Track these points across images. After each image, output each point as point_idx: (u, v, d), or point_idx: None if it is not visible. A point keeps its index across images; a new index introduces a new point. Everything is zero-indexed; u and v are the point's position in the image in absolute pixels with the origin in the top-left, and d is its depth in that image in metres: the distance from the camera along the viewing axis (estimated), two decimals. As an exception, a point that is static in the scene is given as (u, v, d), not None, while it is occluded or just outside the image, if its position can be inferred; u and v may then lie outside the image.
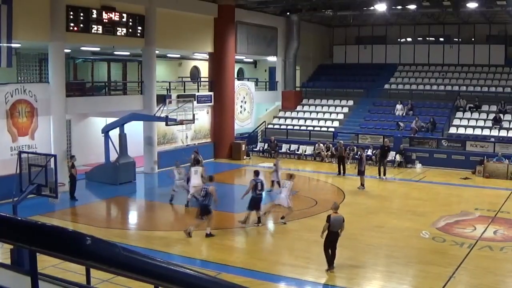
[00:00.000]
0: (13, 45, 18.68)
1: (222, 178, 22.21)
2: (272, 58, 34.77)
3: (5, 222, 2.37)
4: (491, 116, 28.59)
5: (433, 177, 24.32)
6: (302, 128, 31.50)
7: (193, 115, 24.54)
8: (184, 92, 27.74)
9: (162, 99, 24.00)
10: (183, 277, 2.66)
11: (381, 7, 28.68)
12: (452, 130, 28.74)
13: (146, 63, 24.88)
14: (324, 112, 32.99)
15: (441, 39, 35.26)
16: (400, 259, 13.28)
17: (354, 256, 13.37)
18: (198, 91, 28.83)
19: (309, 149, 29.20)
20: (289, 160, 28.55)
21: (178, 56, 32.45)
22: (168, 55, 30.93)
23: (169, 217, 18.33)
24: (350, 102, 33.29)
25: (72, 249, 2.30)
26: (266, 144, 30.45)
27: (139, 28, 23.50)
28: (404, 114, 30.69)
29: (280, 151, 29.50)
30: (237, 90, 30.19)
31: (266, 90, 35.39)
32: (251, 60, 37.85)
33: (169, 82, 28.22)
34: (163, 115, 22.89)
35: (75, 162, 19.69)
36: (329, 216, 12.19)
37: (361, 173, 21.76)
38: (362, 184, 21.69)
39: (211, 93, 28.64)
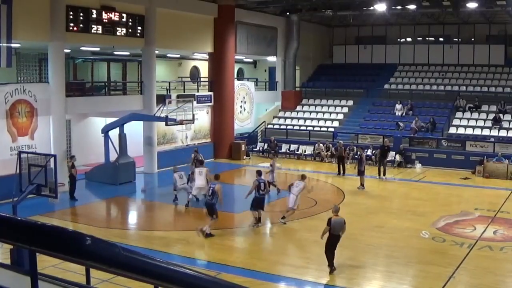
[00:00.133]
0: (13, 45, 18.69)
1: (222, 178, 21.72)
2: (272, 58, 34.74)
3: (5, 222, 2.37)
4: (491, 116, 28.57)
5: (433, 177, 24.30)
6: (302, 128, 31.46)
7: (193, 115, 24.54)
8: (184, 92, 27.73)
9: (162, 99, 23.99)
10: (183, 277, 2.66)
11: (381, 7, 28.66)
12: (452, 130, 28.72)
13: (146, 63, 24.87)
14: (324, 112, 32.97)
15: (441, 39, 35.23)
16: (400, 259, 13.27)
17: (354, 256, 13.36)
18: (198, 91, 28.81)
19: (309, 149, 29.16)
20: (289, 160, 28.56)
21: (178, 56, 32.43)
22: (168, 55, 30.92)
23: (169, 217, 18.34)
24: (350, 102, 33.26)
25: (72, 249, 2.30)
26: (266, 144, 30.42)
27: (139, 28, 23.49)
28: (404, 114, 30.67)
29: (280, 151, 29.47)
30: (237, 90, 30.17)
31: (266, 90, 35.38)
32: (251, 60, 37.83)
33: (169, 82, 28.21)
34: (163, 115, 22.89)
35: (75, 162, 19.67)
36: (330, 219, 12.11)
37: (361, 173, 21.74)
38: (362, 184, 21.67)
39: (211, 93, 28.63)
